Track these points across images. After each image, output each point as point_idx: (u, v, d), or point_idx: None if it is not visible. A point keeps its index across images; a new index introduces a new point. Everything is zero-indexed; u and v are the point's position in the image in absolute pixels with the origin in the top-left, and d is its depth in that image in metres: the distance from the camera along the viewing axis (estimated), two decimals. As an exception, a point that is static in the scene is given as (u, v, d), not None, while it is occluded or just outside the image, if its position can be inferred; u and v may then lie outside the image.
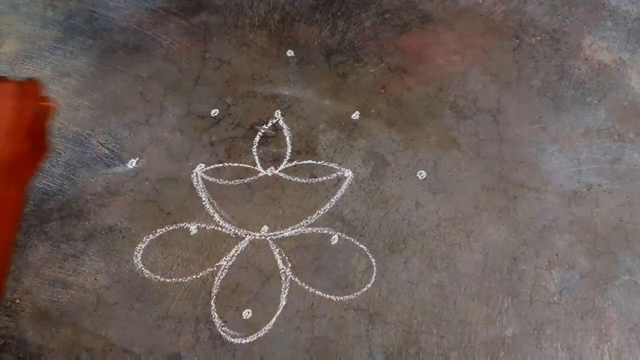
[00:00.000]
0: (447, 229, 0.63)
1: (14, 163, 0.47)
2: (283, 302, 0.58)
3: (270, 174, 0.67)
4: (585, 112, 0.73)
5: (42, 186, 0.65)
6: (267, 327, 0.56)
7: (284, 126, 0.71)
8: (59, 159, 0.67)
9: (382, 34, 0.80)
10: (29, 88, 0.54)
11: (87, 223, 0.62)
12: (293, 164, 0.68)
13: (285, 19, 0.82)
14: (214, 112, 0.72)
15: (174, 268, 0.59)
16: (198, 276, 0.59)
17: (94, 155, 0.68)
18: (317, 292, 0.59)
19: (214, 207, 0.64)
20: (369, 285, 0.59)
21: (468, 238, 0.62)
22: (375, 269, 0.60)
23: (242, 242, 0.62)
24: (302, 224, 0.63)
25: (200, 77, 0.75)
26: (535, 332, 0.57)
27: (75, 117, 0.71)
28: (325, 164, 0.68)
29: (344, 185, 0.66)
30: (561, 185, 0.66)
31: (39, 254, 0.59)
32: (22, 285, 0.57)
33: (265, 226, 0.63)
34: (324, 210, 0.64)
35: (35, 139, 0.51)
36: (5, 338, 0.55)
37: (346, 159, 0.68)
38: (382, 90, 0.75)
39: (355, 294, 0.59)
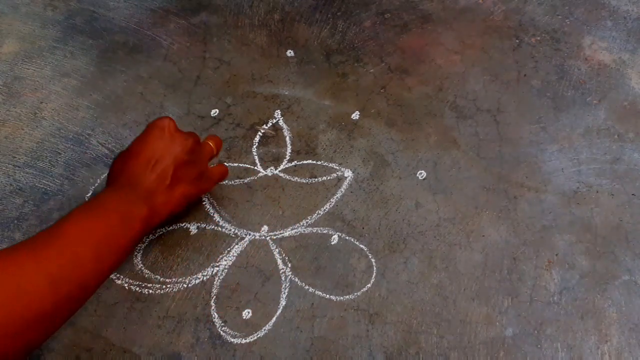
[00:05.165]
0: (447, 229, 0.63)
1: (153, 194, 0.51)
2: (283, 302, 0.58)
3: (270, 174, 0.67)
4: (585, 112, 0.73)
5: (42, 186, 0.65)
6: (267, 327, 0.56)
7: (284, 126, 0.71)
8: (59, 159, 0.67)
9: (382, 34, 0.80)
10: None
11: (87, 223, 0.62)
12: (293, 164, 0.68)
13: (285, 19, 0.82)
14: (214, 112, 0.72)
15: (174, 268, 0.59)
16: (198, 276, 0.59)
17: (94, 155, 0.68)
18: (317, 292, 0.59)
19: (214, 207, 0.64)
20: (369, 285, 0.59)
21: (468, 238, 0.62)
22: (375, 269, 0.60)
23: (242, 242, 0.62)
24: (302, 224, 0.63)
25: (200, 77, 0.75)
26: (535, 332, 0.57)
27: (75, 117, 0.71)
28: (325, 164, 0.68)
29: (344, 185, 0.66)
30: (561, 185, 0.66)
31: (39, 254, 0.59)
32: (22, 285, 0.57)
33: (265, 226, 0.63)
34: (324, 210, 0.64)
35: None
36: (5, 338, 0.55)
37: (346, 159, 0.68)
38: (382, 90, 0.75)
39: (355, 294, 0.59)
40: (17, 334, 0.37)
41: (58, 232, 0.43)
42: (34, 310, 0.38)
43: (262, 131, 0.71)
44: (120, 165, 0.52)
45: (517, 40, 0.80)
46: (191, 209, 0.63)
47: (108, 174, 0.54)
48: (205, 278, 0.59)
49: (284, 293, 0.59)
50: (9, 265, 0.38)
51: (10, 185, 0.65)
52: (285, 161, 0.68)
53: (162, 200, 0.51)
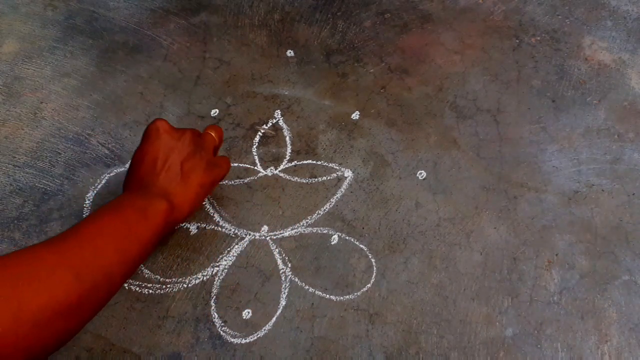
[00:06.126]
0: (447, 229, 0.63)
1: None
2: (283, 302, 0.58)
3: (270, 174, 0.67)
4: (585, 112, 0.73)
5: (42, 186, 0.65)
6: (267, 327, 0.56)
7: (284, 126, 0.71)
8: (59, 159, 0.67)
9: (382, 34, 0.80)
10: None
11: (87, 223, 0.62)
12: (293, 164, 0.68)
13: (285, 19, 0.82)
14: (214, 112, 0.72)
15: (174, 268, 0.60)
16: (198, 276, 0.59)
17: (94, 155, 0.68)
18: (317, 292, 0.59)
19: (214, 207, 0.64)
20: (369, 285, 0.59)
21: (468, 238, 0.62)
22: (375, 269, 0.60)
23: (242, 242, 0.62)
24: (302, 224, 0.63)
25: (200, 77, 0.75)
26: (535, 332, 0.57)
27: (75, 117, 0.71)
28: (325, 164, 0.68)
29: (344, 185, 0.66)
30: (561, 185, 0.66)
31: (39, 254, 0.59)
32: (22, 285, 0.57)
33: (265, 226, 0.63)
34: (324, 210, 0.64)
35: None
36: (5, 338, 0.55)
37: (346, 159, 0.68)
38: (382, 90, 0.75)
39: (355, 294, 0.59)
40: (45, 326, 0.38)
41: (77, 230, 0.44)
42: (61, 302, 0.39)
43: (262, 131, 0.71)
44: (130, 177, 0.54)
45: (517, 40, 0.80)
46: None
47: (123, 189, 0.55)
48: (205, 278, 0.59)
49: (284, 293, 0.59)
50: (31, 262, 0.39)
51: (10, 185, 0.65)
52: (285, 161, 0.68)
53: (180, 193, 0.52)
